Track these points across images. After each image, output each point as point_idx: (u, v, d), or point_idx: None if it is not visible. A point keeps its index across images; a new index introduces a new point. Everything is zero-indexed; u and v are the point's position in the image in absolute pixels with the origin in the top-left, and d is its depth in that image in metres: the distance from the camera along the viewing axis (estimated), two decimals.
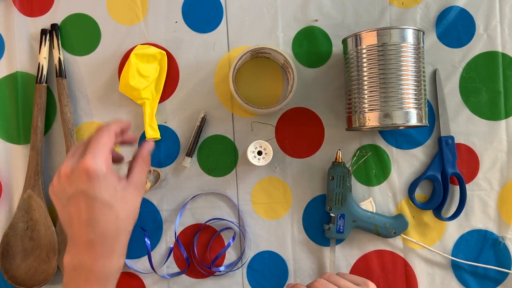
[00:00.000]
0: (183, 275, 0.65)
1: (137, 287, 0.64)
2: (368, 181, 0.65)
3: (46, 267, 0.62)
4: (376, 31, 0.57)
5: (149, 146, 0.53)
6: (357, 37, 0.58)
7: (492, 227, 0.65)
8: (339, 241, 0.65)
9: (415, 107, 0.57)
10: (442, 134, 0.64)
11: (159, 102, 0.65)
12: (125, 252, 0.49)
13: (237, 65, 0.61)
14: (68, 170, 0.46)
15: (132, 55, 0.62)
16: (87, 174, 0.45)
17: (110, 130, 0.48)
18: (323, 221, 0.65)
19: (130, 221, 0.49)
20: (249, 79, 0.65)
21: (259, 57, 0.65)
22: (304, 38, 0.66)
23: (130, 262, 0.65)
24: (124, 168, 0.54)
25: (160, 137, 0.64)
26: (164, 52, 0.64)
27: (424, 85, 0.59)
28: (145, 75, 0.62)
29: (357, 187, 0.65)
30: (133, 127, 0.65)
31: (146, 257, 0.64)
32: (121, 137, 0.51)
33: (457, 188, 0.64)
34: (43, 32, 0.64)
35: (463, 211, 0.64)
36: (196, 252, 0.65)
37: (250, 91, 0.65)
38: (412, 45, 0.57)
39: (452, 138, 0.64)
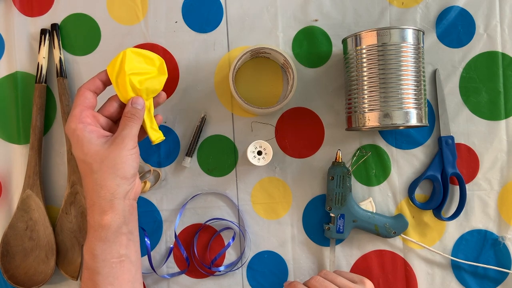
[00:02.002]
0: (183, 275, 0.65)
1: None
2: (368, 181, 0.65)
3: (45, 268, 0.62)
4: (376, 31, 0.57)
5: (134, 101, 0.53)
6: (357, 37, 0.58)
7: (492, 227, 0.65)
8: (339, 241, 0.65)
9: (415, 107, 0.57)
10: (442, 134, 0.64)
11: None
12: (111, 209, 0.49)
13: (237, 65, 0.61)
14: None
15: (128, 50, 0.54)
16: (67, 137, 0.52)
17: (81, 90, 0.52)
18: (323, 221, 0.65)
19: (109, 174, 0.49)
20: (249, 79, 0.65)
21: (259, 57, 0.65)
22: (304, 38, 0.65)
23: None
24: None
25: (164, 138, 0.58)
26: (163, 60, 0.56)
27: (424, 85, 0.59)
28: (139, 72, 0.54)
29: (357, 187, 0.65)
30: None
31: (146, 257, 0.64)
32: (103, 87, 0.54)
33: (457, 188, 0.64)
34: (43, 32, 0.64)
35: (463, 211, 0.64)
36: (196, 252, 0.65)
37: (250, 91, 0.65)
38: (412, 45, 0.57)
39: (452, 138, 0.64)
